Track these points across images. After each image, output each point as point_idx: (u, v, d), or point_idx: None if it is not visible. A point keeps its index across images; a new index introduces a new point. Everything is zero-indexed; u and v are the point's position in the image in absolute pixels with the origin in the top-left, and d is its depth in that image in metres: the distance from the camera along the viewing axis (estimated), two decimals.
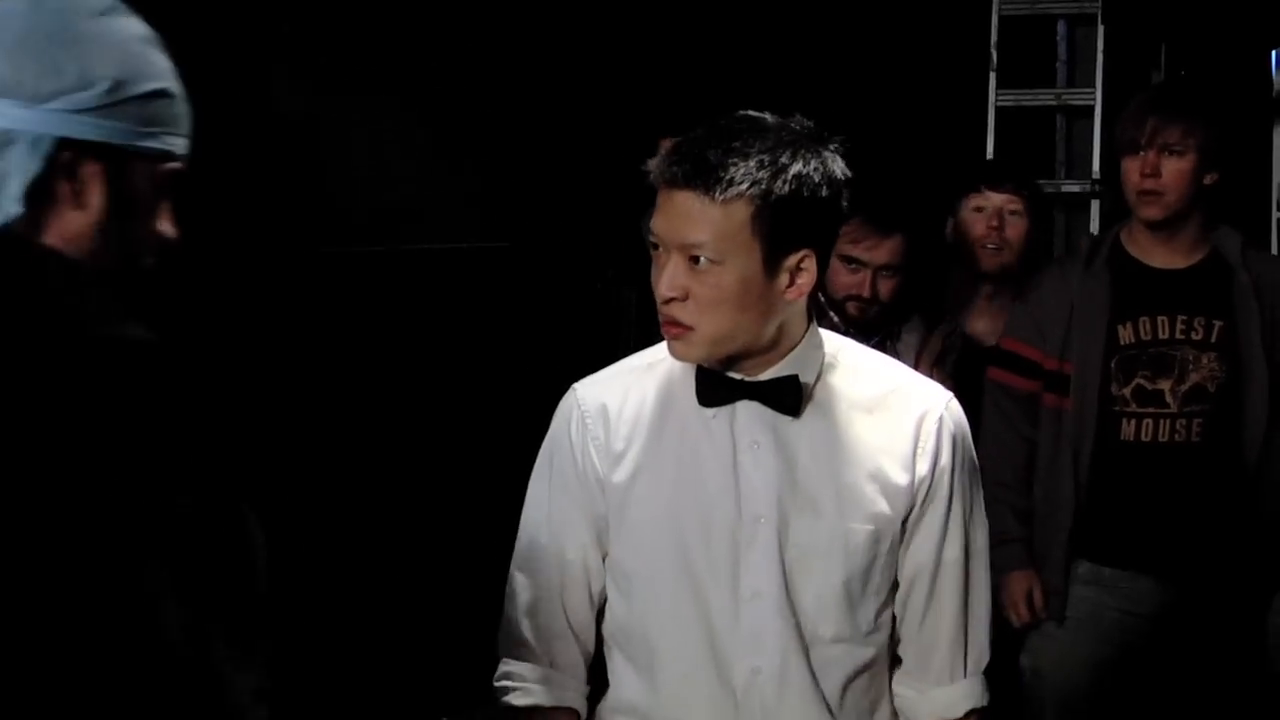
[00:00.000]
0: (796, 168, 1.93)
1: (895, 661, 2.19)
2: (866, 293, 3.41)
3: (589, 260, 3.81)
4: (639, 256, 3.77)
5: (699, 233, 1.93)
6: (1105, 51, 4.60)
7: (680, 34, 4.84)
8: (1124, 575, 3.33)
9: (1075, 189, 4.65)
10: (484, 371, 3.85)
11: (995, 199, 3.67)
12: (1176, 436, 3.26)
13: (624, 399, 2.10)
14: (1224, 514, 3.28)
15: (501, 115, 4.54)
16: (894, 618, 2.15)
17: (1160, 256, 3.33)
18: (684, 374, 2.08)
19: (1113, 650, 3.34)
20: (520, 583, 2.14)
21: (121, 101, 1.47)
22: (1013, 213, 3.67)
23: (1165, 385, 3.27)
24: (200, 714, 1.35)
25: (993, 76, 4.67)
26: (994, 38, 4.67)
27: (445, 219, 4.28)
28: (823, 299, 3.48)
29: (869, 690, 2.14)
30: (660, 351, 2.12)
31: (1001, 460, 3.43)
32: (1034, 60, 4.80)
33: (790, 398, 2.05)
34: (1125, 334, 3.31)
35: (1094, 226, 4.50)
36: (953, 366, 3.54)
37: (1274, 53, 4.62)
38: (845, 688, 2.10)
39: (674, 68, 4.65)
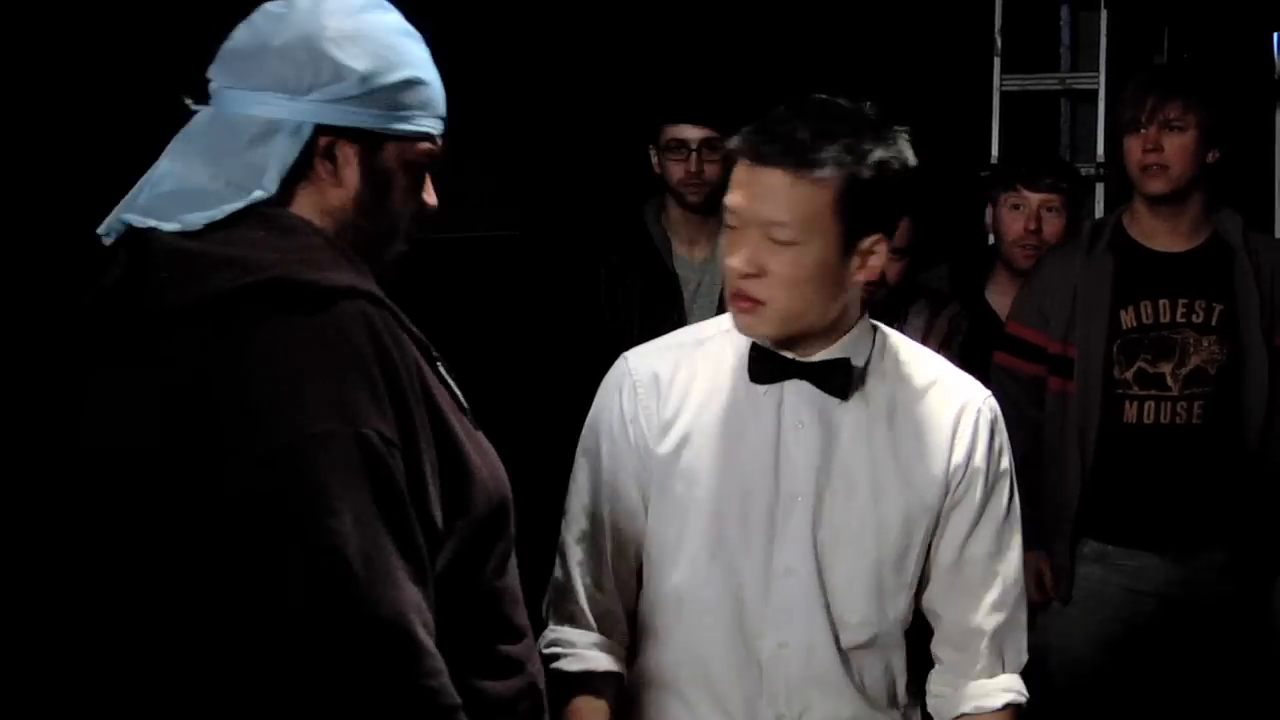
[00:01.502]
0: (879, 153, 1.98)
1: (927, 661, 2.20)
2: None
3: (594, 247, 3.84)
4: (641, 243, 3.82)
5: (782, 212, 1.96)
6: (1108, 36, 4.62)
7: (684, 24, 4.87)
8: (1129, 553, 3.37)
9: (1080, 172, 4.68)
10: (501, 355, 3.89)
11: (1032, 199, 3.70)
12: (1178, 419, 3.29)
13: (674, 371, 2.11)
14: (1225, 493, 3.32)
15: (511, 107, 4.58)
16: (925, 612, 2.17)
17: (1162, 239, 3.36)
18: (734, 351, 2.11)
19: (1119, 627, 3.38)
20: (573, 549, 2.14)
21: (374, 90, 1.61)
22: (1050, 209, 3.69)
23: (1166, 368, 3.31)
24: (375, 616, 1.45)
25: (997, 61, 4.70)
26: (998, 23, 4.69)
27: (457, 209, 4.32)
28: None
29: (892, 679, 2.16)
30: (709, 328, 2.17)
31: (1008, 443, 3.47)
32: (1038, 45, 4.82)
33: (840, 380, 2.07)
34: (1127, 318, 3.34)
35: (1099, 209, 4.52)
36: (959, 349, 3.57)
37: (1276, 35, 4.64)
38: (869, 672, 2.13)
39: (678, 57, 4.68)
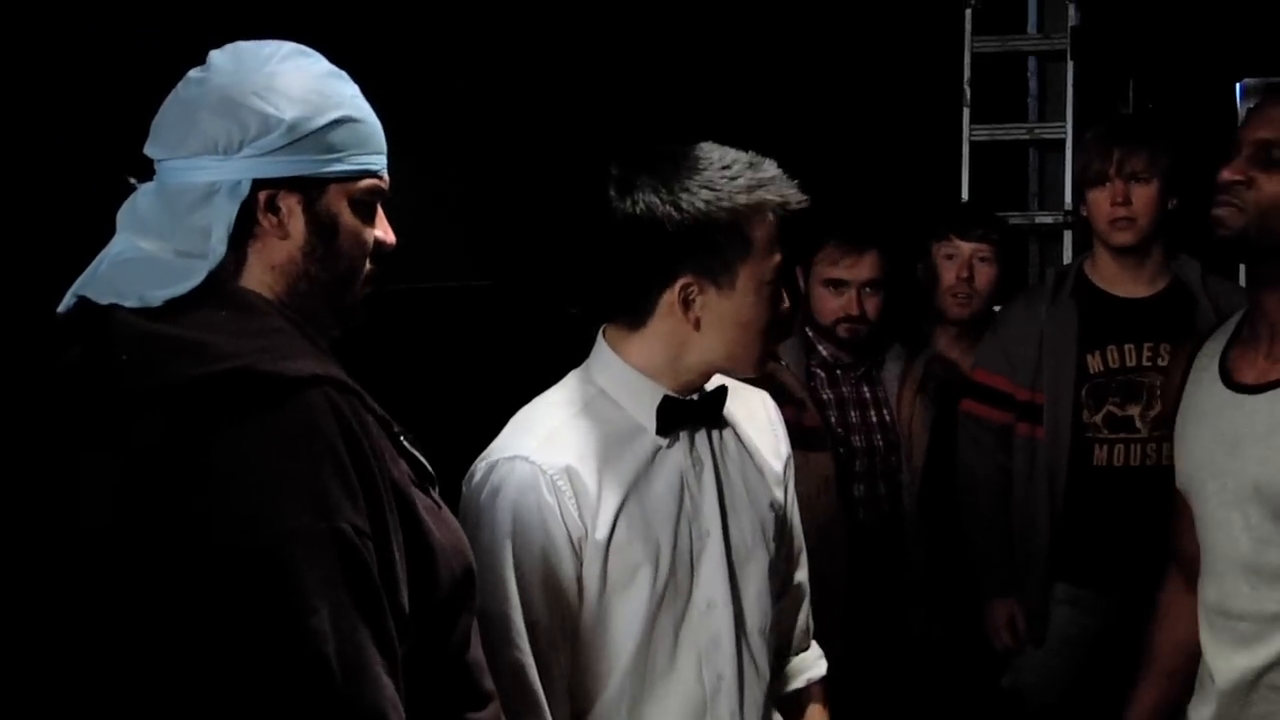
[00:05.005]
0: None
1: None
2: (855, 310, 3.44)
3: (558, 298, 3.87)
4: (604, 293, 3.83)
5: None
6: (1075, 86, 4.68)
7: (656, 76, 4.92)
8: (1101, 596, 3.39)
9: (1048, 220, 4.74)
10: (473, 405, 3.90)
11: (964, 248, 3.73)
12: (1147, 460, 3.32)
13: (581, 455, 2.05)
14: None
15: (485, 160, 4.62)
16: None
17: (1124, 286, 3.41)
18: (620, 413, 2.10)
19: (1092, 669, 3.40)
20: (520, 664, 1.99)
21: (304, 137, 1.61)
22: (982, 259, 3.73)
23: (1134, 411, 3.35)
24: (354, 712, 1.47)
25: (966, 112, 4.76)
26: (967, 74, 4.76)
27: (430, 260, 4.35)
28: (811, 333, 3.55)
29: (778, 677, 2.27)
30: (574, 393, 2.13)
31: (979, 491, 3.50)
32: (1006, 95, 4.89)
33: (720, 408, 2.17)
34: (1094, 363, 3.37)
35: (1067, 256, 4.57)
36: (935, 393, 3.61)
37: (1238, 85, 4.70)
38: (773, 676, 2.22)
39: (650, 104, 4.72)
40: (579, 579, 2.04)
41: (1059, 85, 4.78)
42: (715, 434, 2.15)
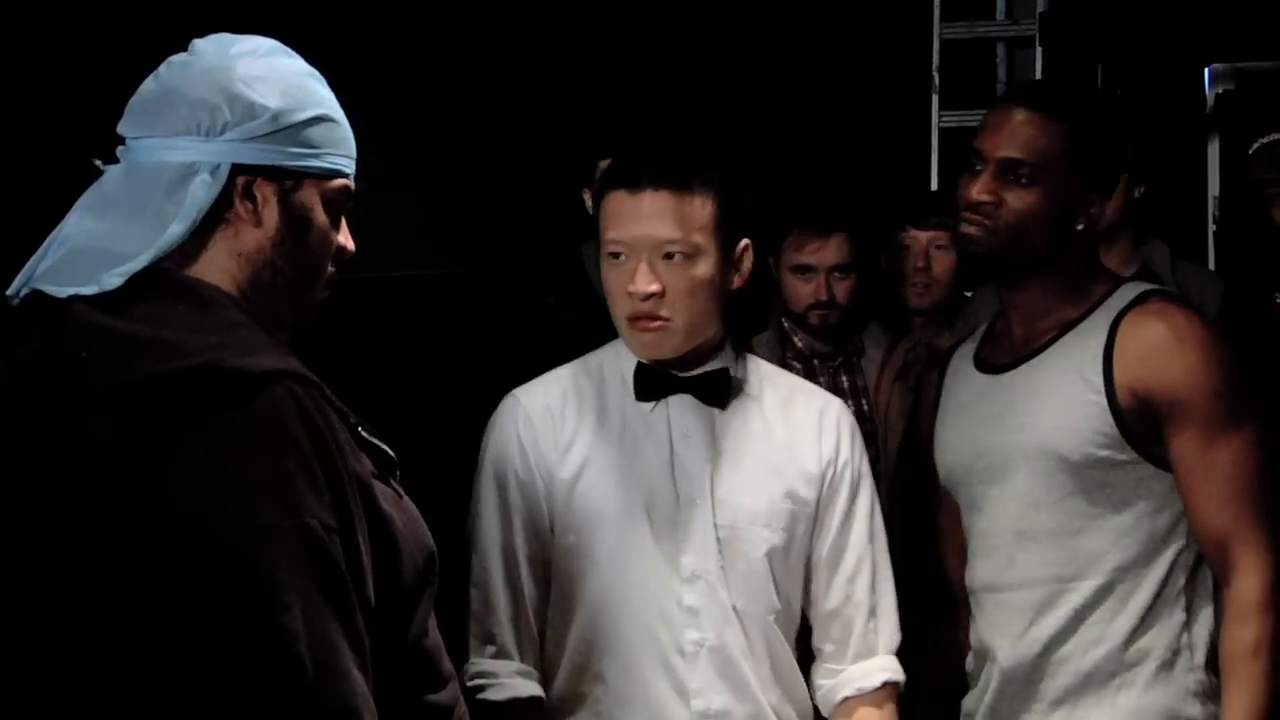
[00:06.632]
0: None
1: (810, 655, 2.34)
2: (824, 295, 3.42)
3: (533, 287, 3.87)
4: (579, 284, 3.84)
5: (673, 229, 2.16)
6: (1043, 72, 4.70)
7: (627, 63, 4.92)
8: None
9: None
10: (446, 393, 3.90)
11: (921, 237, 3.69)
12: None
13: (564, 400, 2.25)
14: None
15: (456, 148, 4.62)
16: (806, 606, 2.31)
17: None
18: (616, 374, 2.25)
19: None
20: (485, 585, 2.22)
21: (287, 128, 1.62)
22: (939, 248, 3.67)
23: None
24: (327, 708, 1.47)
25: (935, 99, 4.77)
26: (936, 61, 4.77)
27: (401, 248, 4.35)
28: (786, 324, 3.55)
29: (788, 666, 2.28)
30: (588, 360, 2.30)
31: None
32: (975, 82, 4.89)
33: (720, 390, 2.23)
34: None
35: None
36: (915, 380, 3.59)
37: (1207, 70, 4.73)
38: (772, 660, 2.24)
39: (617, 96, 4.72)
40: (550, 513, 2.21)
41: (1028, 71, 4.80)
42: (720, 412, 2.23)
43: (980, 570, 2.38)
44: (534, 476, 2.21)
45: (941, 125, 4.75)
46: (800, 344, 3.52)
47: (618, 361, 2.26)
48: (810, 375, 3.48)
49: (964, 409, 2.42)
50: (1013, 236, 2.27)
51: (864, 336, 3.61)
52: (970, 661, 2.45)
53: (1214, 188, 4.92)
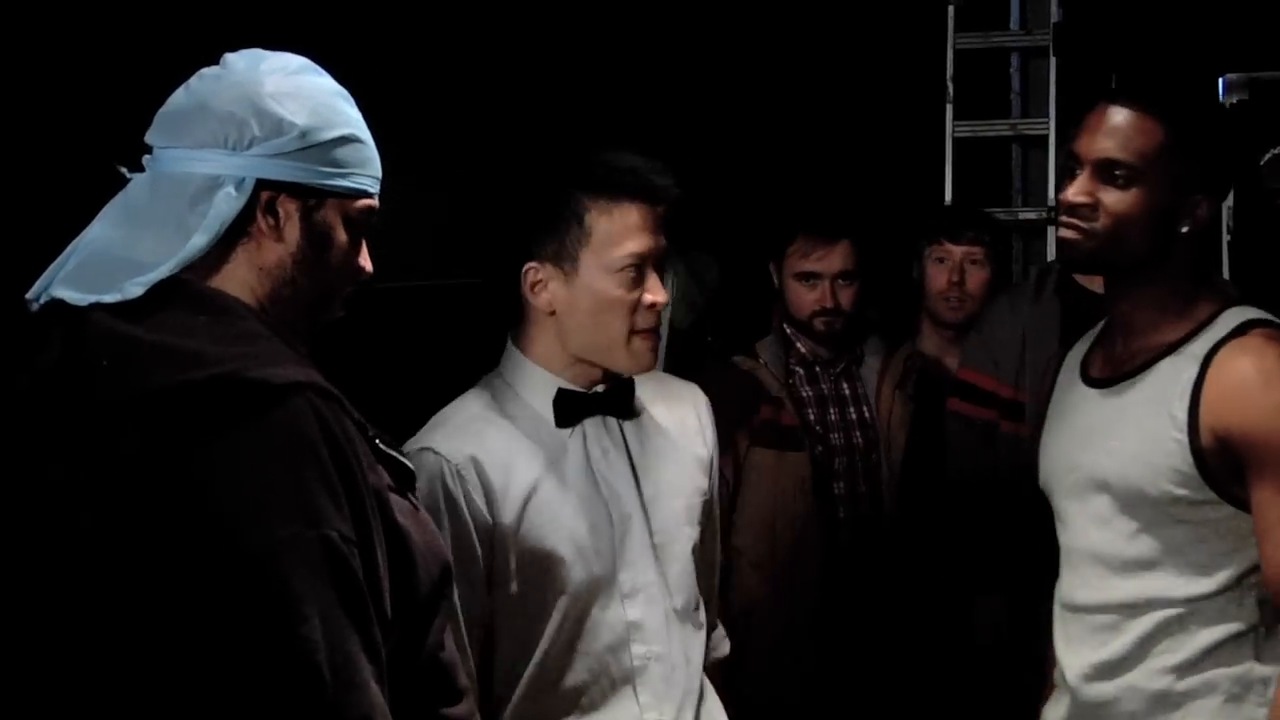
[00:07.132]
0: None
1: None
2: (829, 302, 3.45)
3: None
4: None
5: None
6: (1057, 82, 4.70)
7: (641, 70, 4.93)
8: None
9: (1031, 216, 4.76)
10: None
11: (955, 251, 3.73)
12: None
13: (482, 444, 2.14)
14: None
15: (477, 157, 4.64)
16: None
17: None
18: (524, 407, 2.18)
19: None
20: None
21: (313, 146, 1.63)
22: (973, 262, 3.72)
23: None
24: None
25: (949, 108, 4.78)
26: (950, 71, 4.78)
27: (420, 257, 4.37)
28: (789, 330, 3.57)
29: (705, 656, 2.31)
30: (486, 389, 2.23)
31: (965, 489, 3.51)
32: (989, 92, 4.90)
33: (627, 399, 2.23)
34: None
35: (1050, 252, 4.58)
36: (914, 389, 3.62)
37: (1221, 80, 4.73)
38: (702, 655, 2.27)
39: (635, 99, 4.74)
40: (489, 568, 2.10)
41: (1042, 81, 4.80)
42: (625, 423, 2.23)
43: (1063, 584, 2.36)
44: (471, 533, 2.10)
45: (955, 135, 4.76)
46: (803, 350, 3.54)
47: (524, 391, 2.19)
48: (812, 381, 3.51)
49: (1063, 418, 2.38)
50: (1111, 239, 2.20)
51: (863, 345, 3.63)
52: (1055, 670, 2.41)
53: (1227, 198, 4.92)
